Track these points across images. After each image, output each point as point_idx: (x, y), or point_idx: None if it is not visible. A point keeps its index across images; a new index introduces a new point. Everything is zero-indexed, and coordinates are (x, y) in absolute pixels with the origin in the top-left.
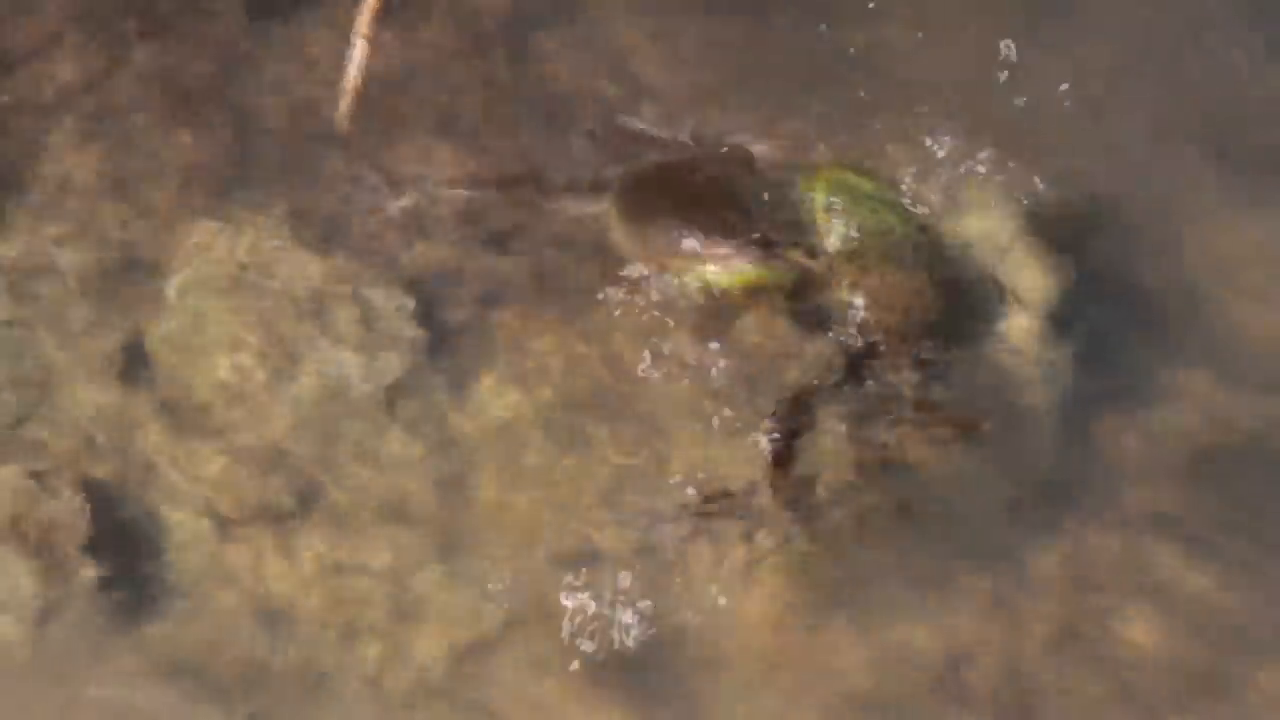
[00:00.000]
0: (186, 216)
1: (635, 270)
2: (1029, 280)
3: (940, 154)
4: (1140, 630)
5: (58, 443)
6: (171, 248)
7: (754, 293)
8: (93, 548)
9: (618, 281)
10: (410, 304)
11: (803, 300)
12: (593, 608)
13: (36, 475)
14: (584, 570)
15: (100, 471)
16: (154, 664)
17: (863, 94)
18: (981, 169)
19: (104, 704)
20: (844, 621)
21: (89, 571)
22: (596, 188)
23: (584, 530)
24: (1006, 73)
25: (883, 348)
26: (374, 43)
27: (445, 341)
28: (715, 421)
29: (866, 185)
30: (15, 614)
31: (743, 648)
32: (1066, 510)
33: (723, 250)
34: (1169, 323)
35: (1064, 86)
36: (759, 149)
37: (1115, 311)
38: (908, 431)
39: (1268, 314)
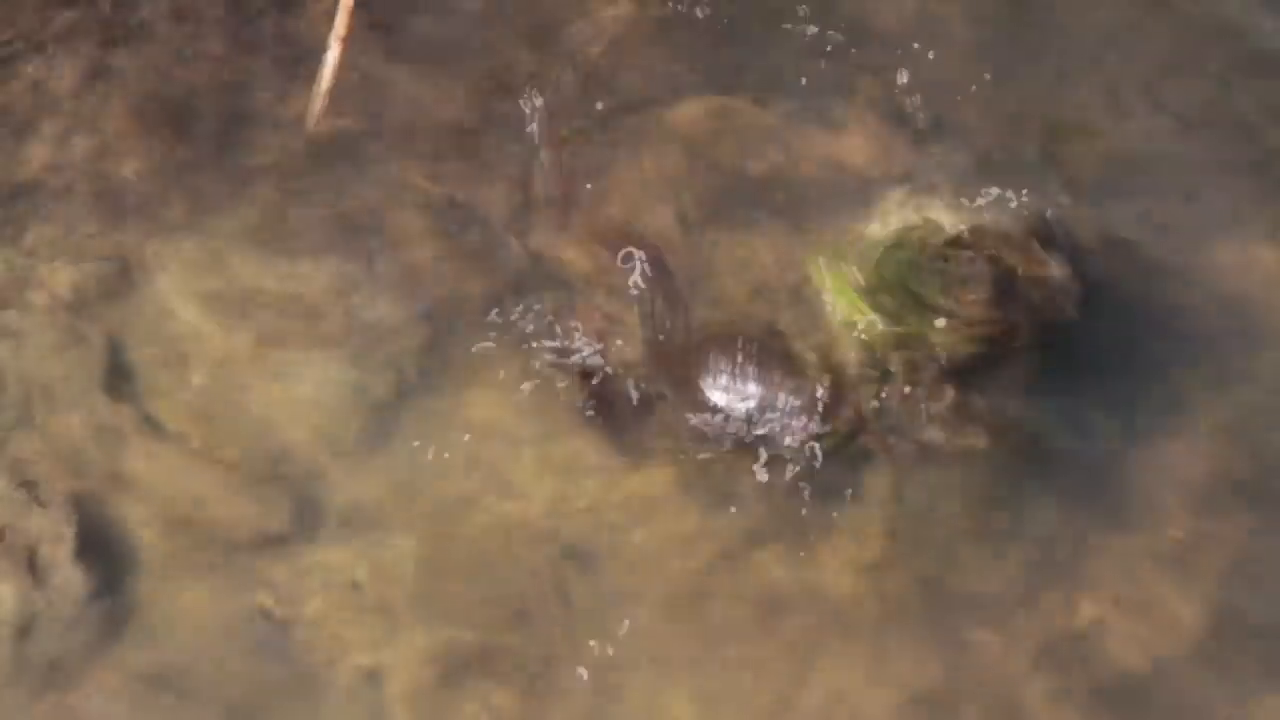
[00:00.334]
0: (172, 227)
1: None
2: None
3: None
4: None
5: (44, 455)
6: (155, 259)
7: None
8: (78, 560)
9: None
10: (399, 315)
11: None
12: None
13: (24, 486)
14: None
15: (86, 484)
16: (138, 677)
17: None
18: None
19: (87, 716)
20: None
21: (74, 583)
22: None
23: None
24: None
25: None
26: (348, 45)
27: (440, 350)
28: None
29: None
30: None
31: None
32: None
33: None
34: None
35: None
36: None
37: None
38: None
39: None
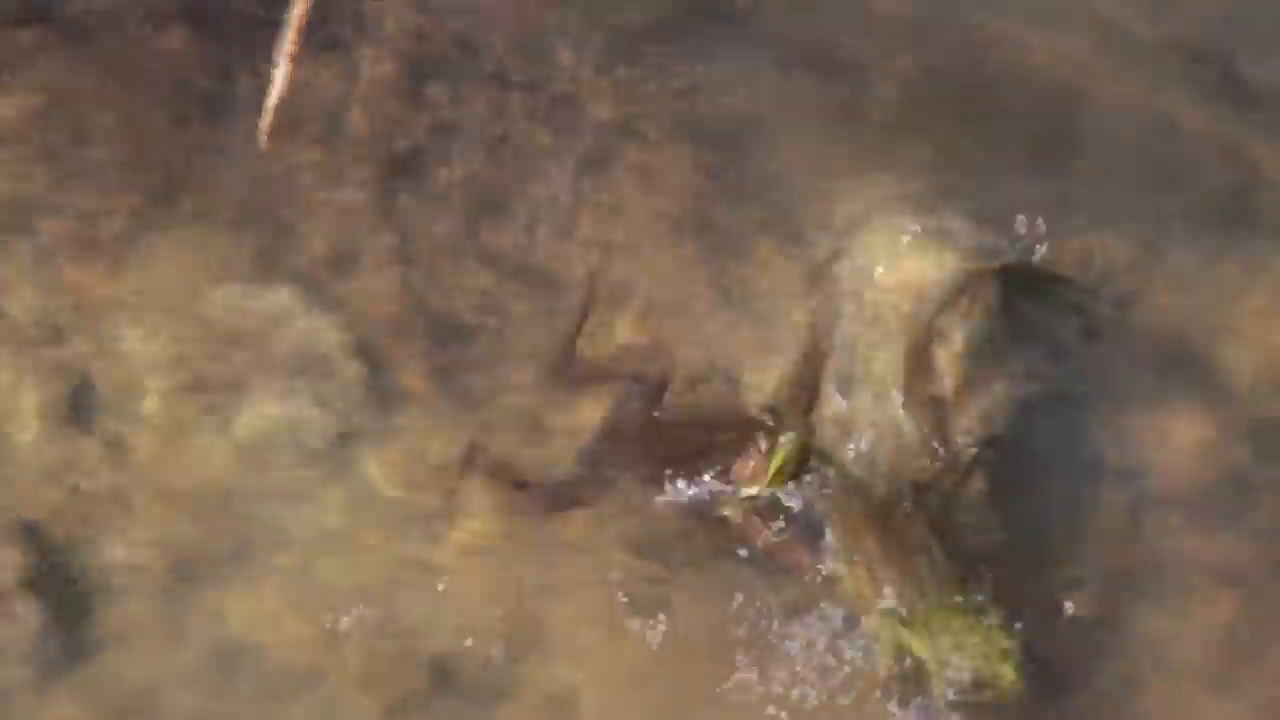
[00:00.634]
0: (136, 252)
1: None
2: None
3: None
4: None
5: None
6: (119, 285)
7: None
8: (33, 590)
9: None
10: (355, 340)
11: None
12: None
13: None
14: None
15: (42, 513)
16: (95, 709)
17: None
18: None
19: None
20: None
21: (30, 614)
22: None
23: None
24: None
25: None
26: (297, 60)
27: (389, 378)
28: None
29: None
30: None
31: None
32: None
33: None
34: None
35: None
36: None
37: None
38: None
39: None
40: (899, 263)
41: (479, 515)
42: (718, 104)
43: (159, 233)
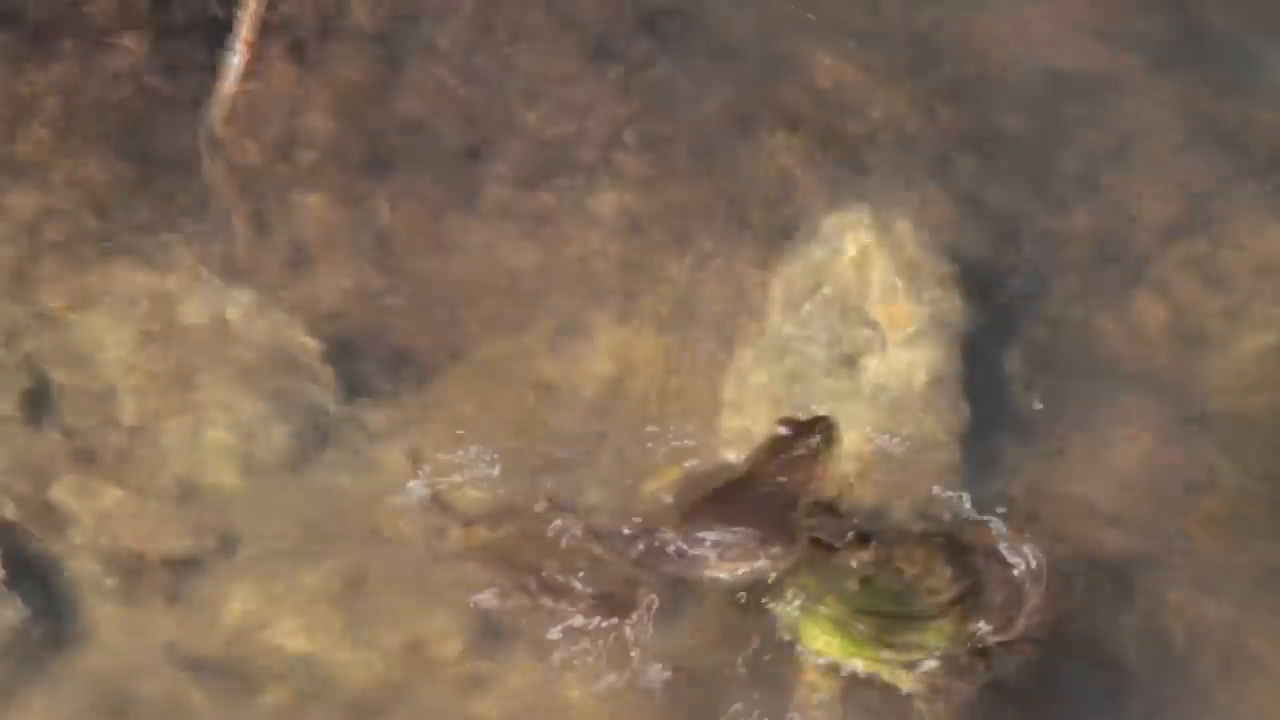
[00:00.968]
0: (95, 255)
1: None
2: None
3: None
4: None
5: None
6: (79, 287)
7: None
8: (11, 588)
9: None
10: (322, 345)
11: None
12: None
13: None
14: None
15: (11, 514)
16: (67, 706)
17: None
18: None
19: None
20: None
21: (8, 611)
22: None
23: None
24: None
25: None
26: (255, 50)
27: (357, 377)
28: None
29: None
30: None
31: None
32: None
33: None
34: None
35: None
36: None
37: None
38: None
39: None
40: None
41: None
42: None
43: (121, 234)
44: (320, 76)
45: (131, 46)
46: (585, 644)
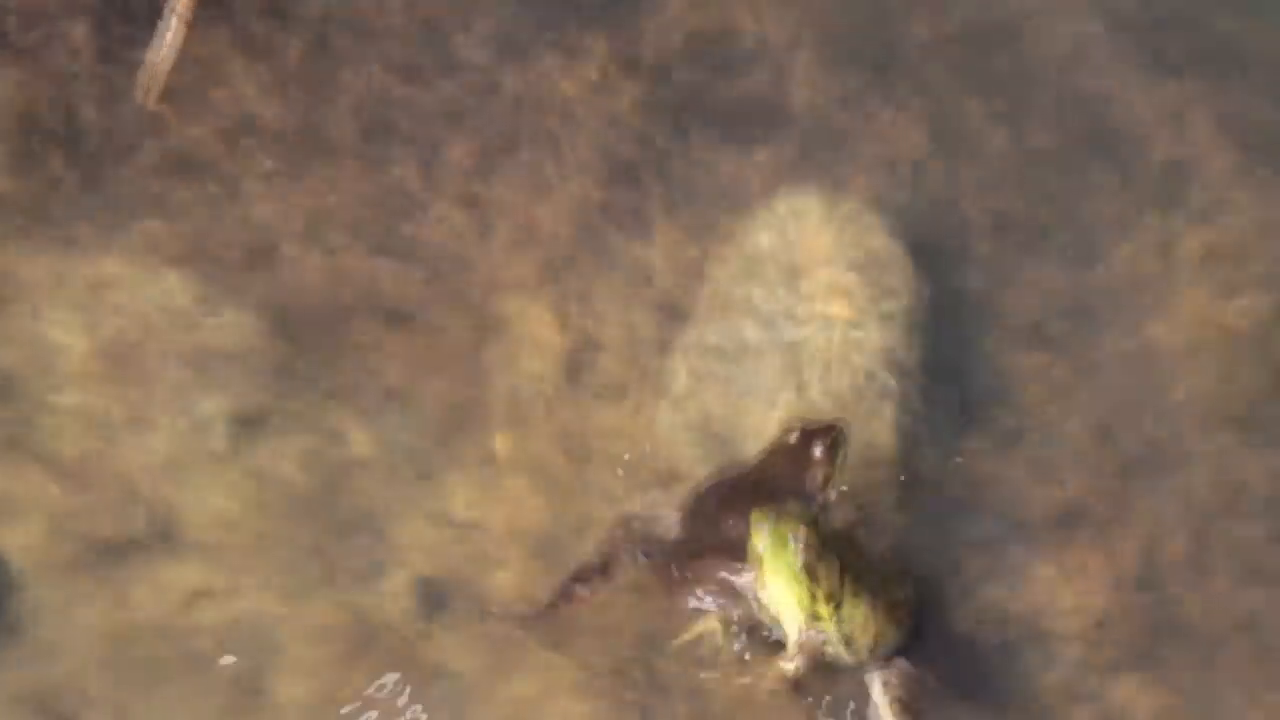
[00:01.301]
0: (37, 244)
1: None
2: None
3: None
4: None
5: None
6: (20, 276)
7: None
8: None
9: None
10: (267, 328)
11: None
12: None
13: None
14: None
15: None
16: (18, 696)
17: None
18: None
19: None
20: None
21: None
22: None
23: None
24: None
25: None
26: (191, 25)
27: (303, 364)
28: None
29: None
30: None
31: None
32: None
33: None
34: None
35: None
36: None
37: None
38: None
39: None
40: None
41: None
42: None
43: (71, 221)
44: (264, 58)
45: (79, 32)
46: None
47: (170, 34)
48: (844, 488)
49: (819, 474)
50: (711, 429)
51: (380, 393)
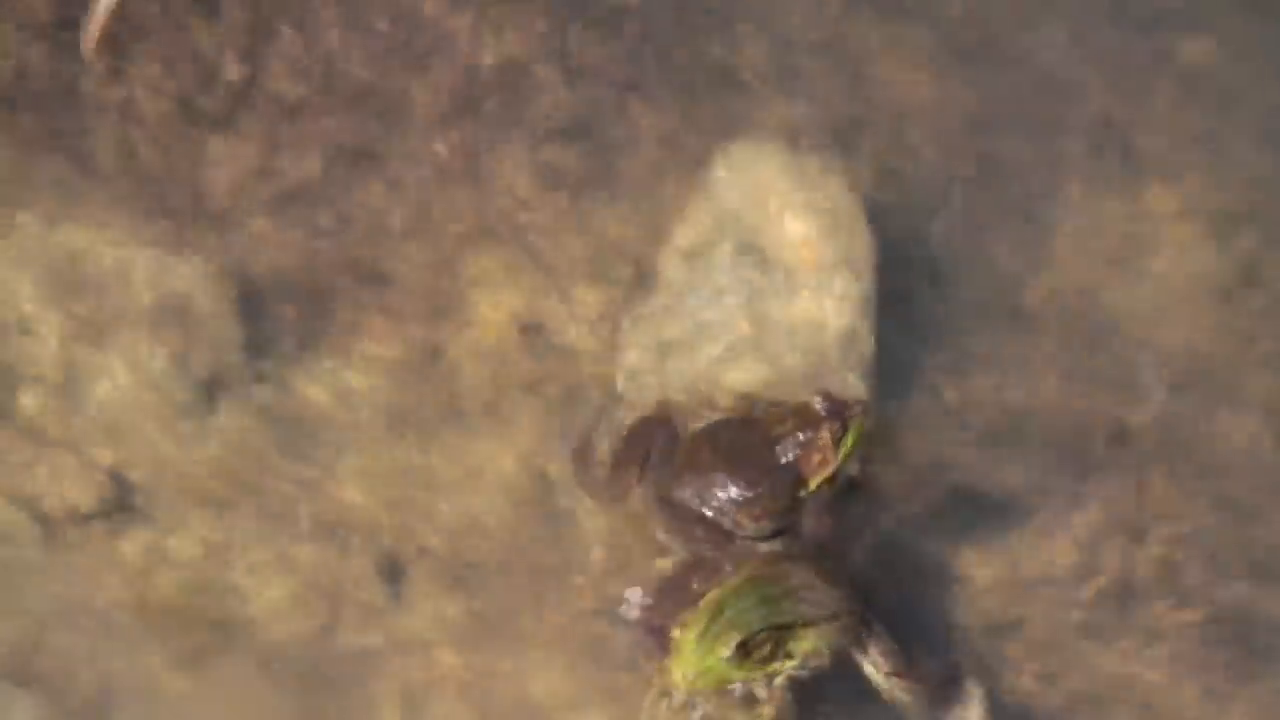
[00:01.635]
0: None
1: None
2: None
3: None
4: None
5: None
6: None
7: None
8: None
9: None
10: (232, 293)
11: None
12: None
13: None
14: None
15: None
16: None
17: None
18: None
19: None
20: None
21: None
22: None
23: None
24: None
25: None
26: None
27: (265, 332)
28: None
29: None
30: None
31: None
32: None
33: None
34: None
35: None
36: None
37: None
38: None
39: None
40: None
41: None
42: None
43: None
44: (225, 16)
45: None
46: None
47: None
48: (854, 473)
49: (825, 454)
50: (670, 385)
51: (342, 350)
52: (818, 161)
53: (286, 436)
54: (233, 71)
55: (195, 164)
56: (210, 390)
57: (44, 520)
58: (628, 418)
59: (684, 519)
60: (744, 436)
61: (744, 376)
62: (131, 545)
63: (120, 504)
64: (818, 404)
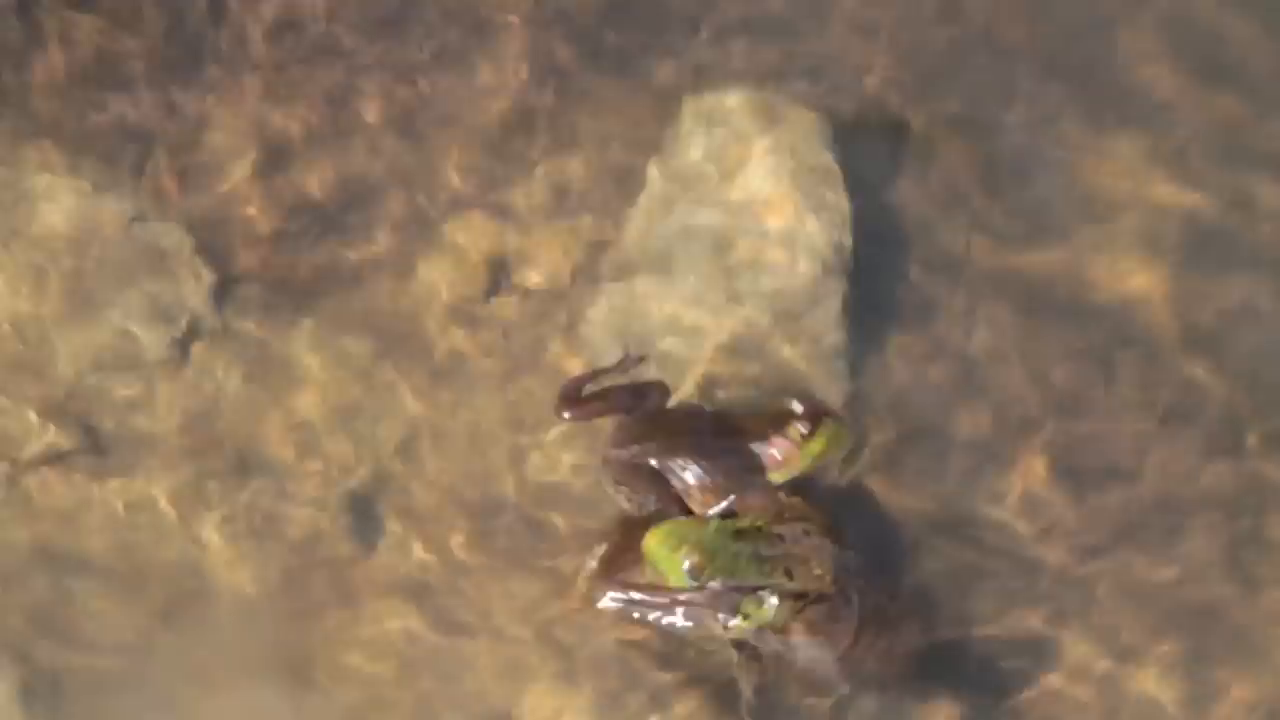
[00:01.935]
0: None
1: None
2: None
3: None
4: None
5: None
6: None
7: None
8: None
9: None
10: (197, 244)
11: None
12: None
13: None
14: None
15: None
16: None
17: None
18: None
19: None
20: None
21: None
22: None
23: None
24: None
25: None
26: None
27: (234, 284)
28: None
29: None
30: None
31: None
32: None
33: None
34: None
35: None
36: None
37: None
38: None
39: None
40: None
41: None
42: None
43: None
44: None
45: None
46: None
47: None
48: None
49: (788, 451)
50: (640, 335)
51: (319, 307)
52: (786, 105)
53: (263, 390)
54: (202, 29)
55: (171, 121)
56: (182, 342)
57: (10, 465)
58: (609, 370)
59: (639, 479)
60: (718, 423)
61: (710, 321)
62: (97, 489)
63: (82, 454)
64: (794, 405)
